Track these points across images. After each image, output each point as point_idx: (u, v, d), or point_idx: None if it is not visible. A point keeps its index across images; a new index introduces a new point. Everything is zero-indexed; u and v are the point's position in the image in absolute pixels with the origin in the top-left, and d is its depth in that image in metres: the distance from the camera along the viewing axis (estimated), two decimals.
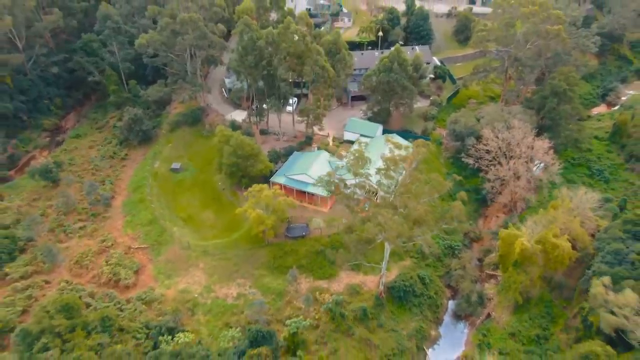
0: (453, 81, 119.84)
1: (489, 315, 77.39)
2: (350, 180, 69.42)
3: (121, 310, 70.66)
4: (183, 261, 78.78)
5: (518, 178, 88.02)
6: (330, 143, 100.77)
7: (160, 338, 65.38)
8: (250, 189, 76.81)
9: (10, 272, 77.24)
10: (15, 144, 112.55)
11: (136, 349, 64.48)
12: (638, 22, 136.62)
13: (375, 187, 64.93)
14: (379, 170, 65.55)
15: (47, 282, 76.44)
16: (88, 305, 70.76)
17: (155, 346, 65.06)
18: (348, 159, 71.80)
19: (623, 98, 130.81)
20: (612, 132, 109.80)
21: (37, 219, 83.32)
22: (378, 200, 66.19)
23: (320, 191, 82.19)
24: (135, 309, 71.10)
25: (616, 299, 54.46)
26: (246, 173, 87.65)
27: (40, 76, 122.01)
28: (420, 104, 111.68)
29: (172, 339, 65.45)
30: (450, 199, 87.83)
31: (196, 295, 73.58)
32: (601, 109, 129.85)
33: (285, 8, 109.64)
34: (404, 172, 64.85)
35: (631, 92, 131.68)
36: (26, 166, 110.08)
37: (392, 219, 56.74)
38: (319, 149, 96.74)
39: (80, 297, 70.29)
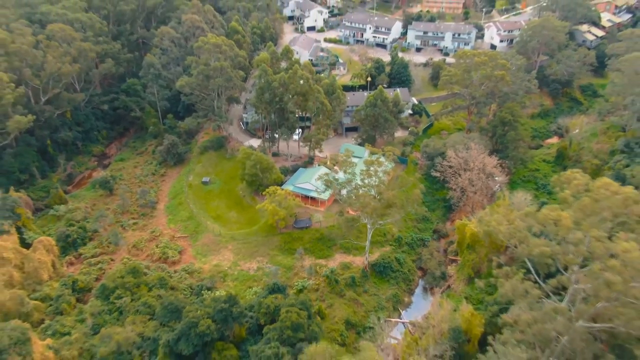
0: (428, 116, 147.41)
1: (449, 286, 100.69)
2: (342, 179, 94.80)
3: (170, 277, 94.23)
4: (215, 244, 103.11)
5: (473, 186, 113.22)
6: (328, 162, 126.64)
7: (203, 292, 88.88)
8: (267, 189, 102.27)
9: (83, 252, 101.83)
10: (73, 165, 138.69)
11: (185, 299, 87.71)
12: (583, 70, 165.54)
13: (360, 183, 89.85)
14: (361, 172, 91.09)
15: (112, 259, 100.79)
16: (145, 274, 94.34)
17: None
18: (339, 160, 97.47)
19: (575, 131, 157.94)
20: (556, 156, 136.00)
21: (104, 213, 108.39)
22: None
23: (319, 195, 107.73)
24: (181, 277, 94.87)
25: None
26: (262, 182, 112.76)
27: (92, 112, 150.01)
28: (401, 134, 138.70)
29: (210, 292, 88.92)
30: (421, 203, 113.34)
31: (226, 268, 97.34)
32: (553, 140, 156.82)
33: (293, 58, 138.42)
34: (380, 172, 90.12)
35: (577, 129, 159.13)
36: (81, 183, 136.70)
37: (369, 198, 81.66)
38: (319, 165, 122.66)
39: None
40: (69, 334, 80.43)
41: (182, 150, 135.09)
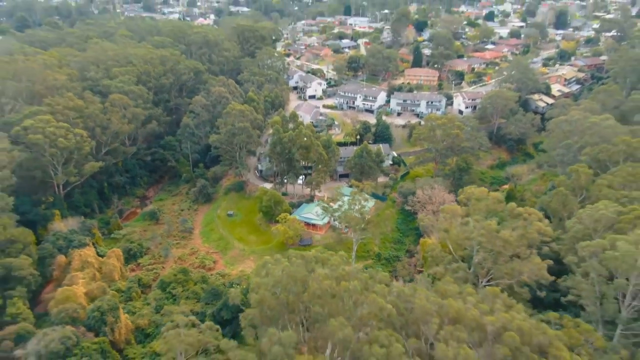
0: (405, 165, 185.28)
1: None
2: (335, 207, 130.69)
3: (208, 278, 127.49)
4: (240, 257, 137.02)
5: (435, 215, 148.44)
6: (325, 199, 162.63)
7: (233, 286, 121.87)
8: (280, 215, 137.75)
9: (141, 262, 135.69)
10: (122, 203, 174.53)
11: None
12: (532, 131, 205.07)
13: (347, 208, 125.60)
14: (349, 200, 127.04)
15: (163, 267, 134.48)
16: (190, 274, 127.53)
17: None
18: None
19: (525, 180, 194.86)
20: (506, 197, 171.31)
21: (156, 235, 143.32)
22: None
23: (318, 222, 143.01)
24: (216, 278, 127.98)
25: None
26: (275, 213, 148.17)
27: (137, 162, 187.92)
28: (383, 179, 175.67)
29: (238, 287, 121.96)
30: (397, 230, 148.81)
31: (249, 273, 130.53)
32: (507, 186, 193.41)
33: (298, 120, 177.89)
34: (362, 200, 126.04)
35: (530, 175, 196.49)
36: (128, 217, 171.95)
37: (353, 216, 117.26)
38: (318, 202, 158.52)
39: None
40: (139, 311, 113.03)
41: (211, 191, 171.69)
